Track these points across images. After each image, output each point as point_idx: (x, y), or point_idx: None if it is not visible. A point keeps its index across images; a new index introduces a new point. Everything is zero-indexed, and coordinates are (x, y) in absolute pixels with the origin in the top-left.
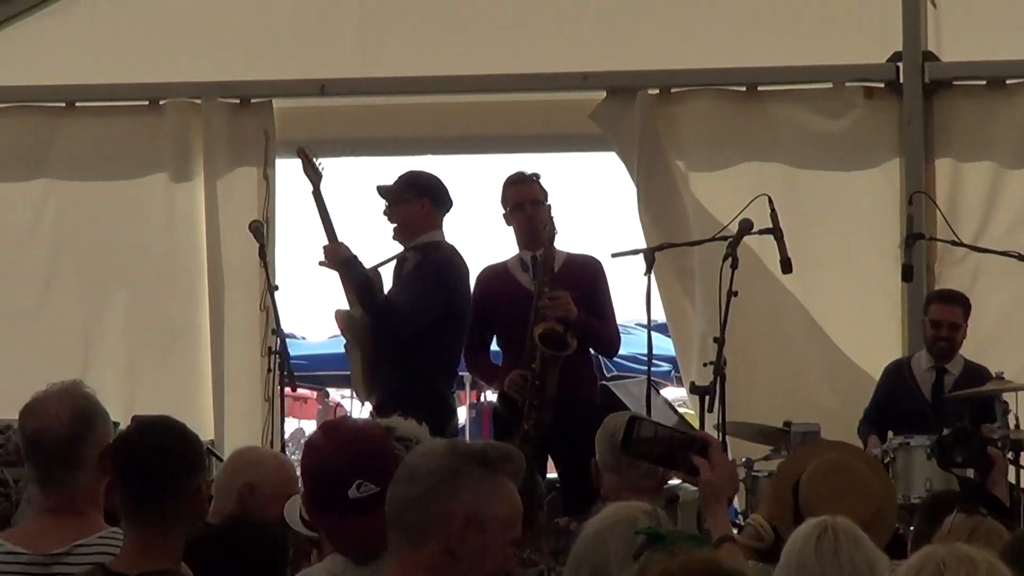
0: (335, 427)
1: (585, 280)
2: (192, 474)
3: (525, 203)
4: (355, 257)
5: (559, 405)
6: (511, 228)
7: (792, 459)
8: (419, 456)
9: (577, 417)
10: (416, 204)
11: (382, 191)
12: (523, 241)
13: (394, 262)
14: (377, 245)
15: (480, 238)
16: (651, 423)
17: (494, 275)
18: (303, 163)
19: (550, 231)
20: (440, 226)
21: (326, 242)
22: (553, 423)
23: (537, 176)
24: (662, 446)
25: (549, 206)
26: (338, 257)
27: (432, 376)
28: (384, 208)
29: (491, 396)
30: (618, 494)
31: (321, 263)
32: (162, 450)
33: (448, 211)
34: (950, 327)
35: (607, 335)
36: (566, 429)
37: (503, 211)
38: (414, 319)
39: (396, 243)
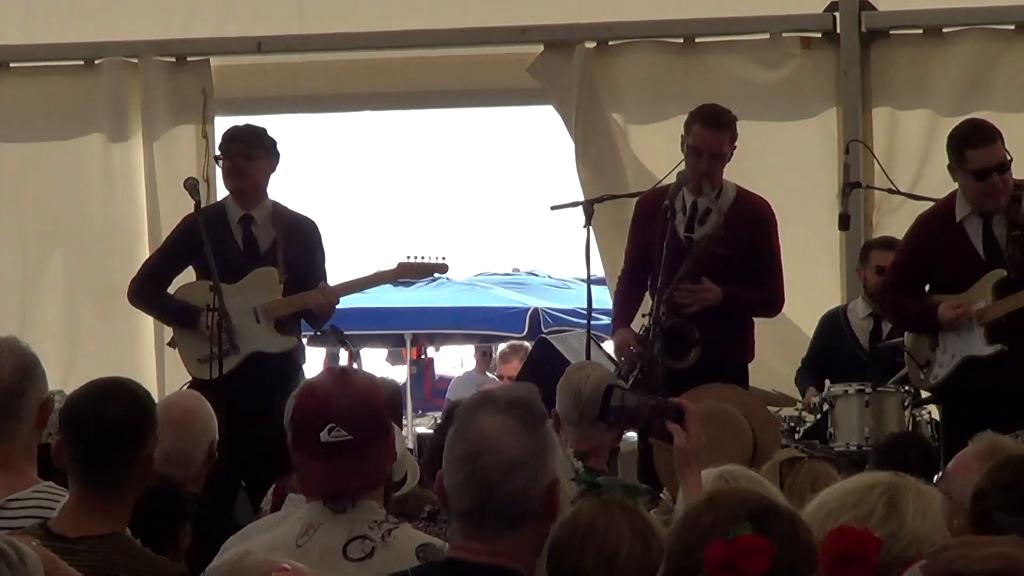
0: (330, 372)
1: (753, 229)
2: (146, 443)
3: (705, 152)
4: None
5: (710, 359)
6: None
7: None
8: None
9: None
10: (268, 163)
11: (248, 136)
12: (692, 182)
13: (237, 221)
14: (313, 201)
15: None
16: (627, 391)
17: (654, 206)
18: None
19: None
20: None
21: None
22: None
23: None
24: (638, 413)
25: (733, 149)
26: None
27: None
28: (238, 157)
29: (431, 352)
30: (578, 446)
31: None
32: (118, 420)
33: None
34: None
35: (762, 302)
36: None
37: (683, 135)
38: None
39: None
